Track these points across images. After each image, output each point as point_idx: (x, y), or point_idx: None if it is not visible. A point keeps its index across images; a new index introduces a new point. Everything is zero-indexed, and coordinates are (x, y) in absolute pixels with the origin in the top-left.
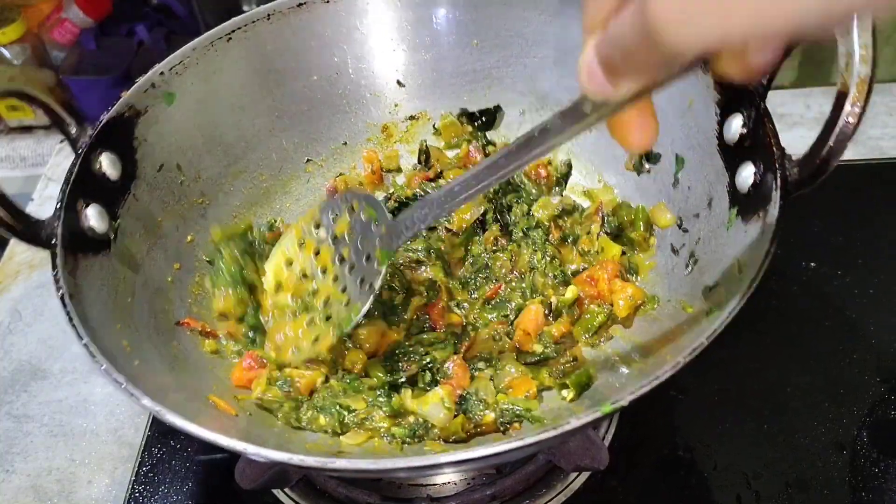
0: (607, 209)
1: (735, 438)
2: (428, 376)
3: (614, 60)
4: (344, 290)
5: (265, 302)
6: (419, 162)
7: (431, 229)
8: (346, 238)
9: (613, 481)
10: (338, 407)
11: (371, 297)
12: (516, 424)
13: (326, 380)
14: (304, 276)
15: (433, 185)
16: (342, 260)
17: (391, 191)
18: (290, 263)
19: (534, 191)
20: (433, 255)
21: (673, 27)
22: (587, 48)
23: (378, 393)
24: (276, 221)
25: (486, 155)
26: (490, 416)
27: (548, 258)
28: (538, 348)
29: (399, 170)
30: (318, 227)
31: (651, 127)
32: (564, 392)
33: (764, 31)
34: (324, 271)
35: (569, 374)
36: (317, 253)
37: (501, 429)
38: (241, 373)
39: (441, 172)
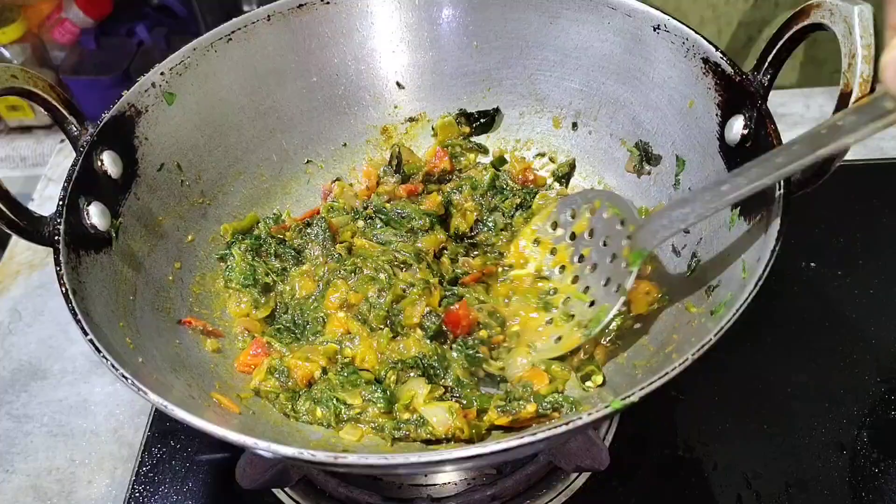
0: None
1: (735, 438)
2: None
3: None
4: (586, 291)
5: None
6: (390, 165)
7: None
8: (587, 237)
9: (614, 482)
10: (335, 400)
11: (622, 299)
12: (555, 413)
13: (325, 372)
14: (540, 275)
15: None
16: (582, 259)
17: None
18: (525, 262)
19: (523, 192)
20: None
21: None
22: (894, 48)
23: (374, 388)
24: (282, 214)
25: (452, 160)
26: (531, 407)
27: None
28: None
29: None
30: (555, 226)
31: None
32: (588, 383)
33: None
34: (562, 269)
35: (583, 368)
36: (552, 252)
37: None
38: (245, 358)
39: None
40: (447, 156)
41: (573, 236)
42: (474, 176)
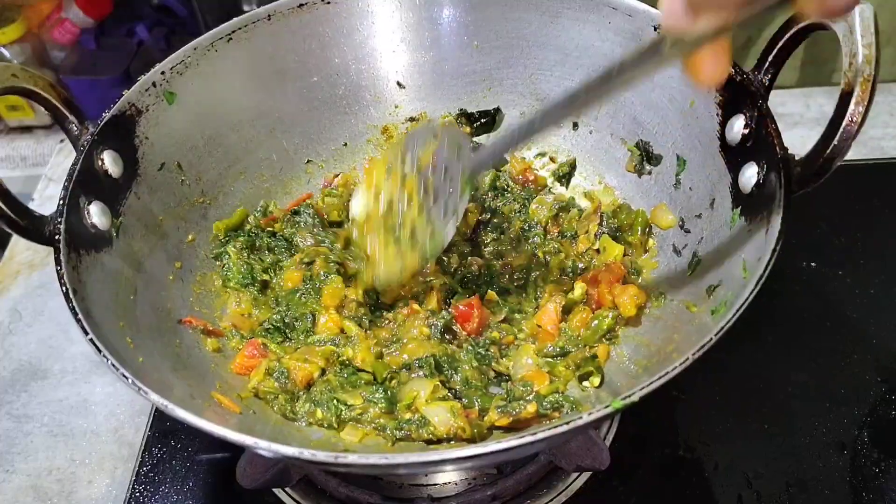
0: (607, 211)
1: (736, 438)
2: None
3: None
4: (429, 219)
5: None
6: None
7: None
8: (430, 169)
9: (614, 481)
10: (335, 401)
11: (454, 222)
12: (556, 413)
13: (323, 373)
14: (390, 205)
15: None
16: (426, 191)
17: None
18: (377, 194)
19: (522, 193)
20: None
21: None
22: None
23: (374, 388)
24: (269, 205)
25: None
26: (531, 407)
27: (550, 254)
28: (559, 343)
29: None
30: (404, 158)
31: (724, 63)
32: (585, 383)
33: None
34: (409, 201)
35: (583, 367)
36: (403, 182)
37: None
38: (242, 360)
39: None
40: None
41: (419, 168)
42: None
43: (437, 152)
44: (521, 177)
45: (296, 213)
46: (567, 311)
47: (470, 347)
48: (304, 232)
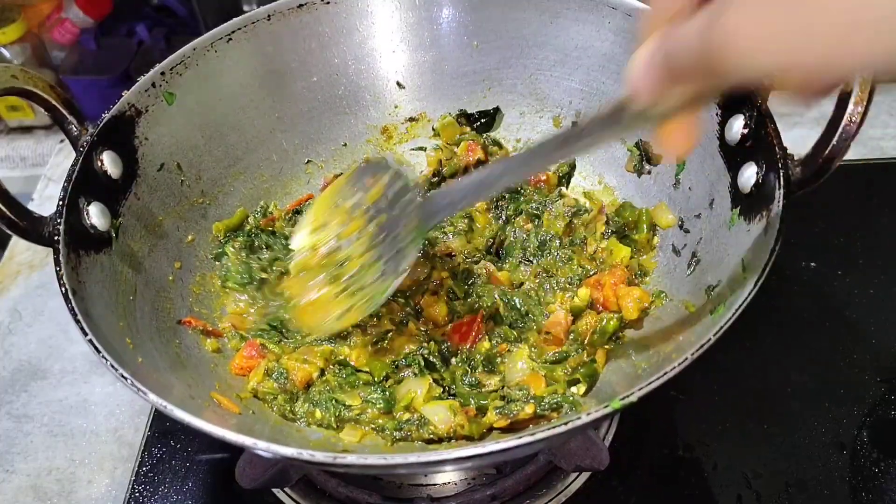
0: (610, 210)
1: (735, 438)
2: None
3: (672, 66)
4: (376, 262)
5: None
6: (435, 177)
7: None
8: (379, 207)
9: (614, 481)
10: (334, 402)
11: (403, 275)
12: (554, 414)
13: (322, 374)
14: (336, 241)
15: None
16: (375, 228)
17: None
18: (322, 227)
19: (535, 196)
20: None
21: (742, 47)
22: (645, 48)
23: (373, 388)
24: (269, 206)
25: (486, 150)
26: (529, 408)
27: (563, 263)
28: (565, 348)
29: None
30: (352, 193)
31: (692, 135)
32: (574, 388)
33: (830, 69)
34: (357, 238)
35: (577, 372)
36: (350, 218)
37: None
38: (241, 361)
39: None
40: (479, 145)
41: (368, 206)
42: None
43: (388, 188)
44: (533, 177)
45: (297, 212)
46: (576, 316)
47: (459, 363)
48: None
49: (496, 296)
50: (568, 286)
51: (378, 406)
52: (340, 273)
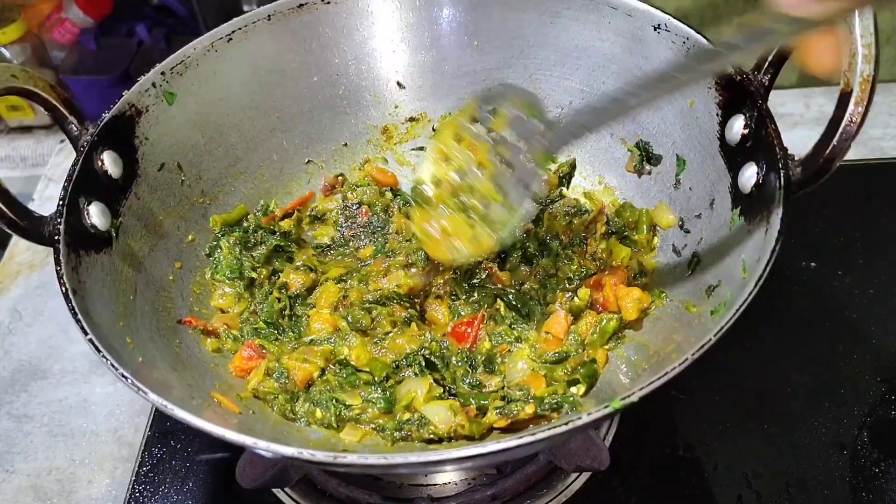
0: (610, 211)
1: (735, 438)
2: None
3: None
4: (501, 191)
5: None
6: None
7: None
8: (504, 134)
9: (614, 481)
10: (334, 401)
11: (528, 201)
12: (554, 414)
13: (322, 373)
14: (460, 172)
15: None
16: (500, 158)
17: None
18: (447, 159)
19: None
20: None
21: None
22: None
23: (373, 388)
24: (270, 205)
25: None
26: (529, 408)
27: (563, 263)
28: (565, 348)
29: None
30: (474, 122)
31: (838, 52)
32: (574, 388)
33: None
34: (480, 167)
35: (577, 372)
36: (472, 149)
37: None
38: (240, 362)
39: None
40: None
41: (492, 133)
42: None
43: (512, 119)
44: None
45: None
46: (576, 316)
47: (459, 363)
48: (328, 228)
49: (497, 296)
50: (568, 286)
51: (379, 406)
52: (467, 204)
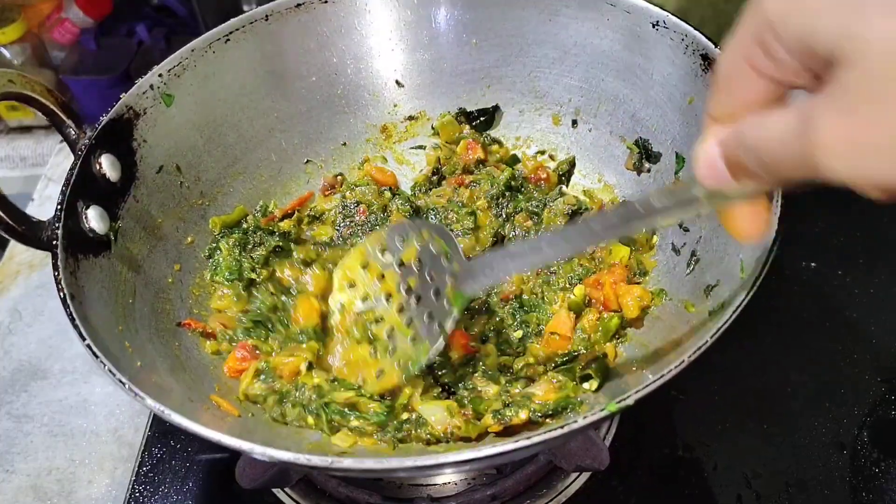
0: (609, 208)
1: (735, 438)
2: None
3: (744, 162)
4: (409, 324)
5: (329, 320)
6: (433, 177)
7: None
8: (414, 267)
9: (614, 481)
10: (325, 408)
11: (442, 339)
12: (547, 420)
13: (311, 366)
14: (366, 300)
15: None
16: (409, 290)
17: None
18: (352, 285)
19: (535, 193)
20: None
21: (840, 162)
22: (709, 139)
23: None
24: (269, 206)
25: (486, 148)
26: (524, 414)
27: (563, 261)
28: (573, 346)
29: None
30: (383, 251)
31: (764, 218)
32: (586, 384)
33: None
34: (388, 298)
35: (587, 368)
36: (381, 278)
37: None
38: (234, 363)
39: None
40: (478, 144)
41: (401, 264)
42: (492, 173)
43: (422, 251)
44: (533, 175)
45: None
46: (578, 314)
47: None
48: (326, 227)
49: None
50: (568, 286)
51: (378, 420)
52: (373, 334)
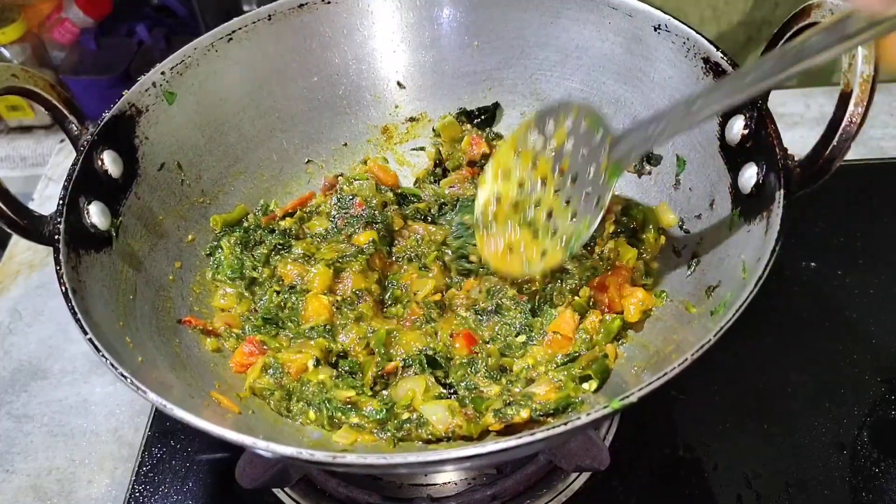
0: (616, 210)
1: (735, 438)
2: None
3: None
4: (567, 203)
5: (483, 208)
6: (434, 172)
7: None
8: (566, 149)
9: (614, 481)
10: (327, 402)
11: (601, 213)
12: (549, 419)
13: (318, 363)
14: (522, 186)
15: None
16: (562, 172)
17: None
18: (507, 174)
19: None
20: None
21: None
22: None
23: (373, 401)
24: (270, 204)
25: (490, 143)
26: (525, 413)
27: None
28: (574, 347)
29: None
30: (533, 138)
31: None
32: (585, 385)
33: None
34: (543, 183)
35: (588, 369)
36: (533, 164)
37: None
38: (241, 358)
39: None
40: (482, 139)
41: (553, 147)
42: None
43: (572, 132)
44: None
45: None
46: (581, 315)
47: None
48: (321, 219)
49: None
50: (574, 287)
51: (377, 417)
52: (533, 218)
